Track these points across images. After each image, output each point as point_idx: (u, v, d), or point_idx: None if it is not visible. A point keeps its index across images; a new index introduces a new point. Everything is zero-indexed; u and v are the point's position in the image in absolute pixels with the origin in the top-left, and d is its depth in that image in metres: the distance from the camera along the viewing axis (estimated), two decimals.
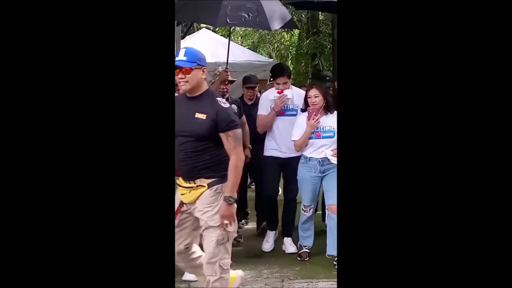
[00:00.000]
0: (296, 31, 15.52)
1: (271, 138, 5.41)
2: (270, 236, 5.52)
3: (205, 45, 10.63)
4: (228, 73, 5.46)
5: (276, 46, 17.40)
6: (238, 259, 5.02)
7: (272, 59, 16.00)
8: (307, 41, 11.68)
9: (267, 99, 5.39)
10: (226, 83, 5.43)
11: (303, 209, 5.05)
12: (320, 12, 12.02)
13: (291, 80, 5.57)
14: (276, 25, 5.64)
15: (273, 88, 5.45)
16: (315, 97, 4.93)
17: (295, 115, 5.28)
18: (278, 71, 5.40)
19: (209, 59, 7.77)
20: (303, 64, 14.31)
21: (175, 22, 7.07)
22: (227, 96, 5.48)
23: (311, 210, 5.04)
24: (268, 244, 5.46)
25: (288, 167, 5.34)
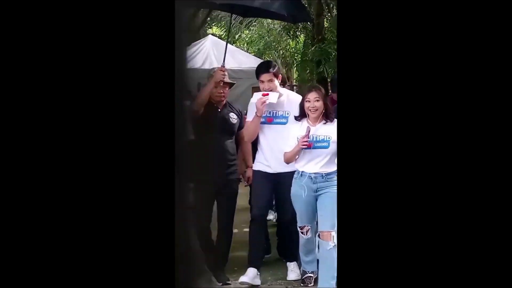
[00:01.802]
0: (302, 38, 15.53)
1: (259, 149, 4.60)
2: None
3: (212, 51, 10.68)
4: (225, 72, 4.57)
5: (281, 53, 17.41)
6: (242, 266, 4.93)
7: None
8: (312, 48, 11.70)
9: (253, 102, 4.51)
10: (222, 84, 4.54)
11: (299, 230, 4.34)
12: (325, 19, 12.04)
13: (280, 81, 4.66)
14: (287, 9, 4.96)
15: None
16: (316, 101, 4.20)
17: (285, 123, 4.49)
18: (262, 68, 4.52)
19: (215, 65, 7.79)
20: (308, 71, 14.31)
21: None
22: (224, 102, 4.64)
23: (309, 232, 4.30)
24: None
25: (278, 184, 4.52)
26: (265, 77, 4.47)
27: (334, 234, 4.05)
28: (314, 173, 4.16)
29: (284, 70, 18.16)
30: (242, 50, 15.31)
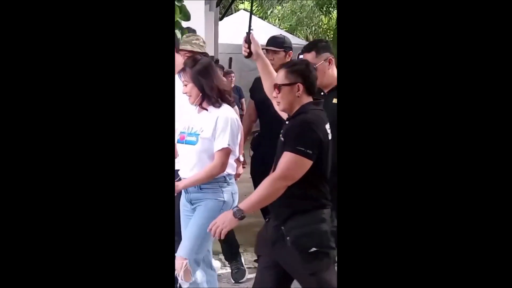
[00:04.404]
0: (335, 14, 15.36)
1: None
2: None
3: (243, 27, 10.63)
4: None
5: (313, 29, 17.29)
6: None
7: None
8: None
9: None
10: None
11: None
12: None
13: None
14: None
15: None
16: (184, 85, 3.11)
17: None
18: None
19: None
20: None
21: (215, 2, 7.04)
22: None
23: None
24: None
25: None
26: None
27: (189, 265, 2.97)
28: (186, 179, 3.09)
29: None
30: (274, 26, 15.21)
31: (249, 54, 3.00)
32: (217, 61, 8.99)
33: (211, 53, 8.17)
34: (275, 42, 4.32)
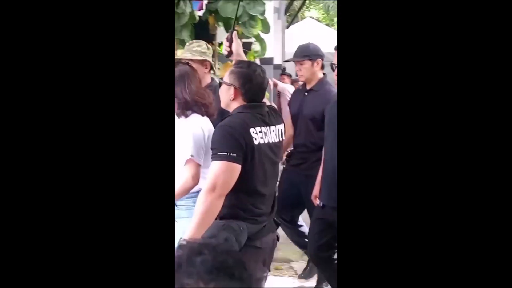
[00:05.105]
0: None
1: None
2: None
3: (309, 34, 10.65)
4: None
5: None
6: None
7: None
8: None
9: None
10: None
11: None
12: None
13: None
14: None
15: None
16: None
17: None
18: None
19: None
20: None
21: (283, 10, 7.08)
22: None
23: None
24: None
25: None
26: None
27: None
28: None
29: None
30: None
31: (229, 53, 2.93)
32: (284, 69, 8.99)
33: (278, 61, 8.15)
34: (298, 52, 4.19)
